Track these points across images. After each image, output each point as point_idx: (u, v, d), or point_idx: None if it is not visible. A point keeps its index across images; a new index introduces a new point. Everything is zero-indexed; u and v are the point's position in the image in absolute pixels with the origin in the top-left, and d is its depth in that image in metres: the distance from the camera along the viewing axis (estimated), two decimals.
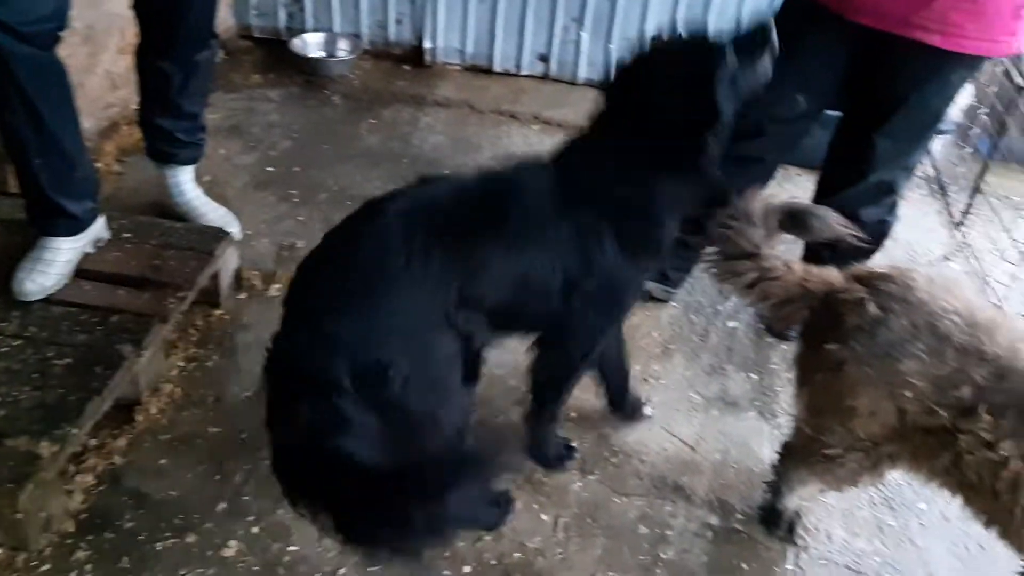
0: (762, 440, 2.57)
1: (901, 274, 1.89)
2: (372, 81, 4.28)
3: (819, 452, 2.00)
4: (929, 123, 2.52)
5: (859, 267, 2.03)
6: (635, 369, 2.71)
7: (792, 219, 2.06)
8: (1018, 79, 3.28)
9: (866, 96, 2.49)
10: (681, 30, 2.02)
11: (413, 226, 1.76)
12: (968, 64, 2.32)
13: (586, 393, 2.57)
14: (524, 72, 4.37)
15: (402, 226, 1.76)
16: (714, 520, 2.34)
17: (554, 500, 2.34)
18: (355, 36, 4.35)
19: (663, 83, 1.89)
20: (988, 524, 1.83)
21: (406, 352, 1.72)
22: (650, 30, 4.12)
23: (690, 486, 2.41)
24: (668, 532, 2.28)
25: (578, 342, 2.13)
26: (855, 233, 2.06)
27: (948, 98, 2.44)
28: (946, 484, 1.85)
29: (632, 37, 4.09)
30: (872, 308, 1.83)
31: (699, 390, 2.73)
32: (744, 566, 2.24)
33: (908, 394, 1.76)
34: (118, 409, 2.35)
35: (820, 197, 2.74)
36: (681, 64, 1.90)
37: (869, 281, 1.91)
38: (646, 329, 2.95)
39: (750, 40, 1.92)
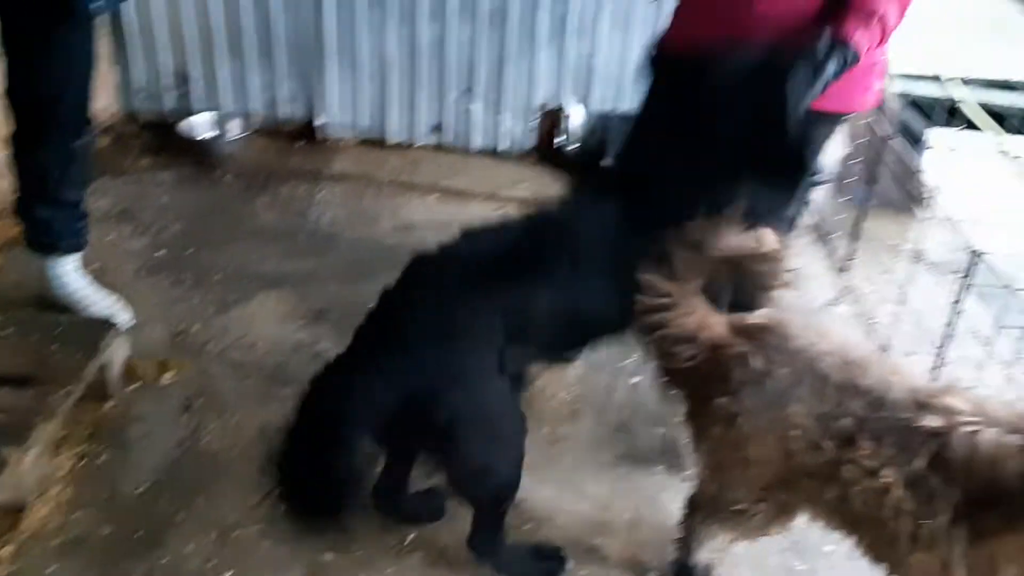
0: (672, 494, 2.57)
1: (778, 324, 1.96)
2: (265, 159, 4.26)
3: (725, 506, 2.03)
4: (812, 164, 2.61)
5: (739, 319, 2.06)
6: (543, 431, 2.71)
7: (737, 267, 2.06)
8: (882, 131, 3.48)
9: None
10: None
11: (466, 272, 2.00)
12: (830, 120, 2.44)
13: None
14: (419, 143, 4.42)
15: (456, 273, 2.01)
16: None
17: (470, 571, 2.30)
18: (245, 115, 4.33)
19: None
20: (877, 559, 1.87)
21: (460, 392, 1.90)
22: (539, 98, 4.26)
23: (604, 547, 2.40)
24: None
25: None
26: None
27: (816, 152, 2.55)
28: (837, 521, 1.90)
29: (522, 106, 4.26)
30: (757, 362, 1.89)
31: (607, 448, 2.75)
32: None
33: (795, 434, 1.82)
34: (3, 515, 2.22)
35: None
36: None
37: (750, 334, 1.96)
38: (552, 391, 2.95)
39: None
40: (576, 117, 4.22)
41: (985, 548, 1.64)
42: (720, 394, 1.92)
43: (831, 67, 2.12)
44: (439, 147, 4.43)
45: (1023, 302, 2.57)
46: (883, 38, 2.21)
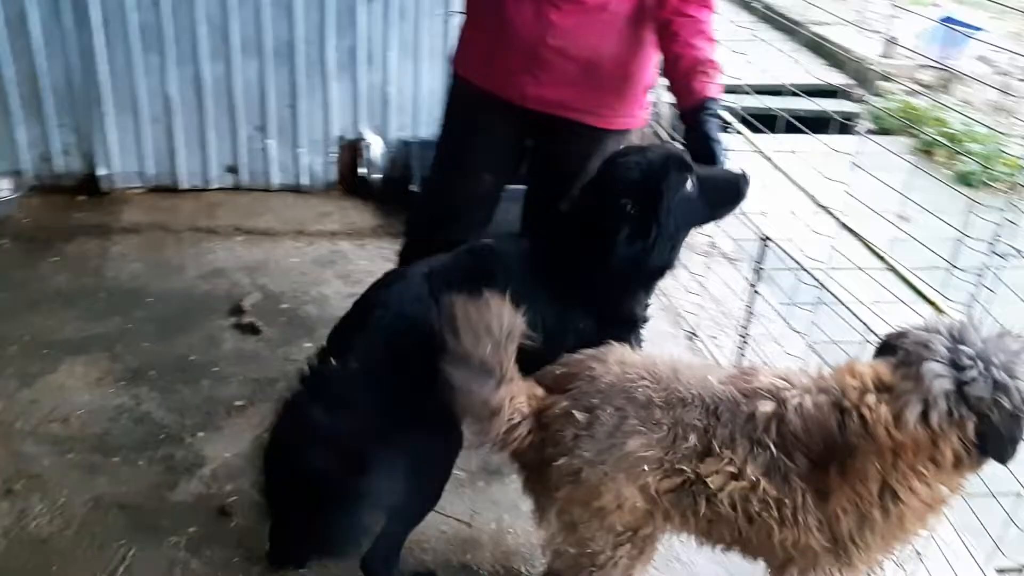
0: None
1: (580, 368, 1.95)
2: (45, 217, 3.95)
3: (588, 565, 2.00)
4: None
5: (545, 376, 2.01)
6: None
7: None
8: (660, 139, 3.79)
9: (543, 171, 2.71)
10: None
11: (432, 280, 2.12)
12: (618, 136, 2.60)
13: None
14: (214, 186, 4.26)
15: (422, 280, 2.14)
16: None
17: None
18: (16, 173, 3.99)
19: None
20: (752, 554, 1.97)
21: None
22: (335, 132, 4.24)
23: (475, 561, 2.44)
24: None
25: None
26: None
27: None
28: (708, 529, 1.92)
29: (319, 139, 4.22)
30: (579, 414, 1.86)
31: (462, 466, 2.77)
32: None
33: (645, 468, 1.83)
34: None
35: None
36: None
37: (561, 387, 1.94)
38: None
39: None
40: (376, 147, 4.24)
41: (829, 505, 1.78)
42: (558, 456, 1.88)
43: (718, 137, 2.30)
44: (236, 188, 4.30)
45: (809, 280, 2.86)
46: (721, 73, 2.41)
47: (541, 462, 1.93)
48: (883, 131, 5.66)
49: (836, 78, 6.84)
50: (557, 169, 2.64)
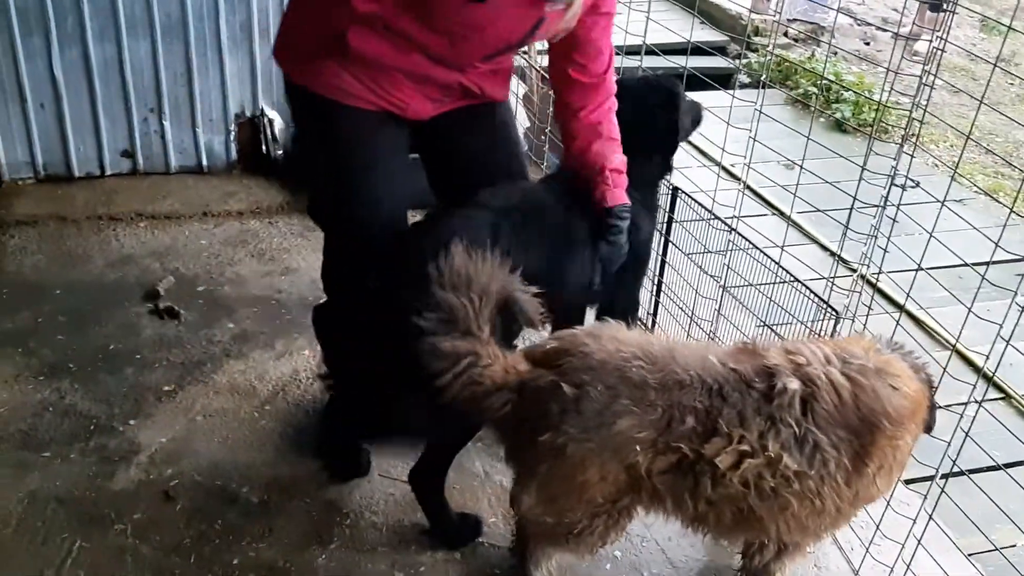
0: (471, 455, 2.74)
1: (572, 344, 1.94)
2: None
3: (564, 533, 2.03)
4: (515, 151, 2.67)
5: (535, 350, 2.02)
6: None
7: (504, 303, 1.97)
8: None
9: (449, 165, 2.56)
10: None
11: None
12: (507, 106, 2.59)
13: (296, 468, 2.57)
14: (110, 172, 4.11)
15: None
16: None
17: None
18: None
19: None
20: (745, 533, 2.05)
21: None
22: (234, 109, 4.16)
23: (425, 520, 2.50)
24: (422, 568, 2.37)
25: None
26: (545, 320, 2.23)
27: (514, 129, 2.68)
28: (704, 512, 1.92)
29: (217, 118, 4.13)
30: (567, 388, 1.86)
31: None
32: (497, 571, 2.40)
33: (636, 448, 1.84)
34: None
35: None
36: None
37: (550, 362, 1.94)
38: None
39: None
40: (277, 123, 4.18)
41: (867, 470, 1.88)
42: (543, 430, 1.87)
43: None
44: (134, 173, 4.16)
45: (721, 228, 3.03)
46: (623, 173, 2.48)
47: (523, 435, 1.94)
48: (761, 85, 5.96)
49: (712, 36, 7.09)
50: (466, 155, 2.53)
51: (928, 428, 2.03)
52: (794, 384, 1.84)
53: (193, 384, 2.97)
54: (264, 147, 4.21)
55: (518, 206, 2.32)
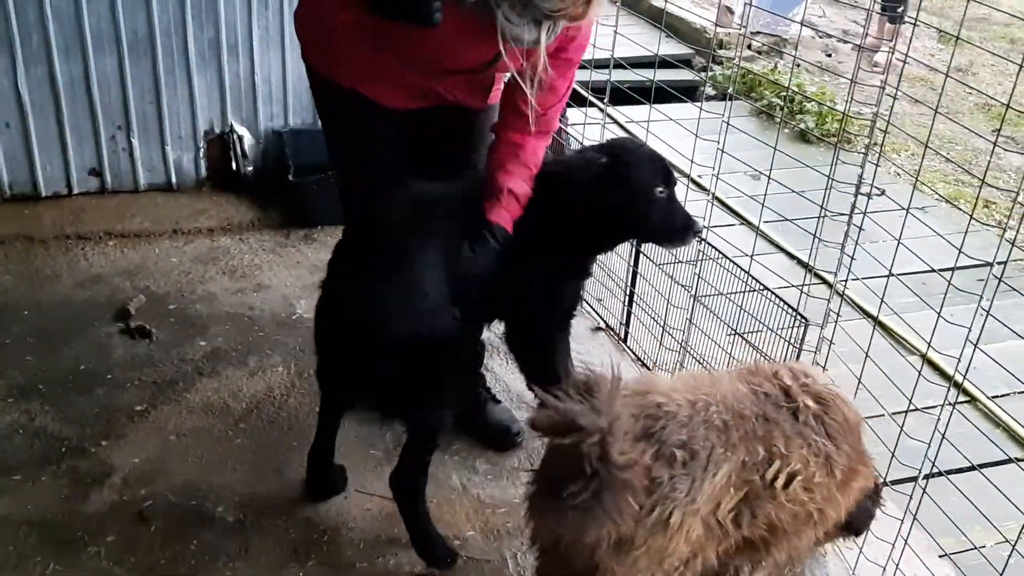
0: (448, 468, 2.75)
1: (649, 404, 1.82)
2: None
3: None
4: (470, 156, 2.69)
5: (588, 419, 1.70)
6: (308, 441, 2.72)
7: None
8: None
9: (435, 161, 2.61)
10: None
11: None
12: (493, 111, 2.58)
13: (272, 486, 2.56)
14: (78, 191, 4.08)
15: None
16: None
17: None
18: None
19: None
20: (764, 553, 2.03)
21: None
22: (203, 126, 4.14)
23: (402, 534, 2.49)
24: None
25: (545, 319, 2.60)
26: None
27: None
28: (742, 539, 1.92)
29: (186, 135, 4.12)
30: (680, 454, 1.77)
31: (376, 444, 2.84)
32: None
33: (731, 492, 1.82)
34: None
35: None
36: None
37: (637, 426, 1.78)
38: (296, 394, 2.99)
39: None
40: (247, 139, 4.17)
41: (851, 486, 1.99)
42: (650, 508, 1.74)
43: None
44: (102, 192, 4.12)
45: None
46: (521, 206, 2.41)
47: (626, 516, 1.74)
48: (727, 97, 6.05)
49: (678, 49, 7.18)
50: (450, 153, 2.63)
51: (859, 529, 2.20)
52: (811, 403, 1.93)
53: (166, 403, 2.95)
54: (234, 164, 4.19)
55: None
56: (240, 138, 4.16)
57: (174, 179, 4.20)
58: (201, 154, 4.20)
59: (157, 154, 4.13)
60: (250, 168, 4.20)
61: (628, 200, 2.36)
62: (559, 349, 2.64)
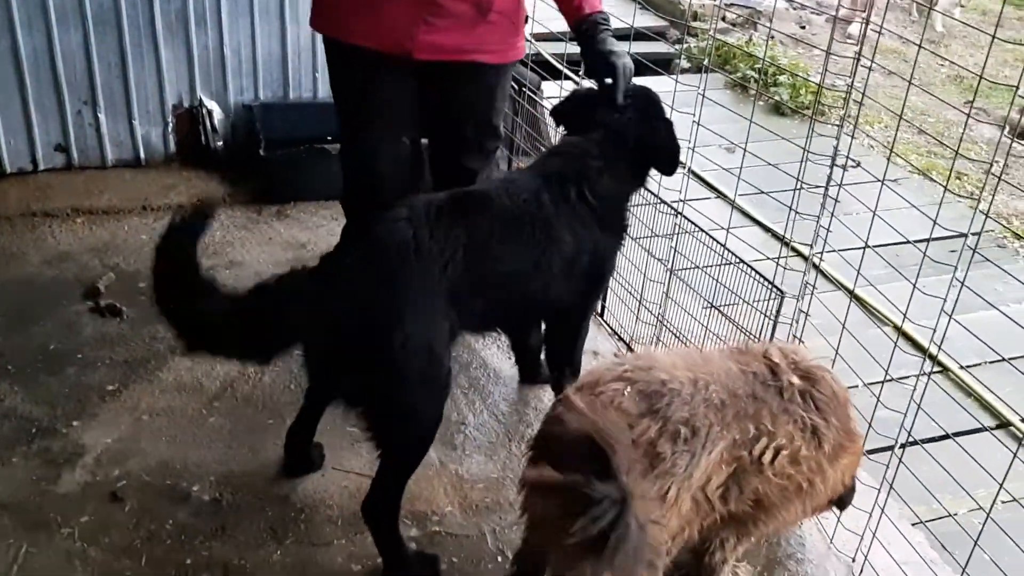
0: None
1: (652, 381, 1.85)
2: None
3: None
4: (499, 122, 2.85)
5: (611, 385, 1.85)
6: (287, 423, 2.70)
7: None
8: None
9: (447, 117, 2.74)
10: None
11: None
12: (509, 68, 2.74)
13: (248, 465, 2.54)
14: (44, 167, 3.99)
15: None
16: (414, 531, 2.47)
17: None
18: None
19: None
20: (751, 525, 2.06)
21: (402, 333, 2.06)
22: (171, 100, 4.07)
23: None
24: (379, 560, 2.35)
25: (581, 313, 2.66)
26: None
27: (505, 98, 2.86)
28: (728, 513, 1.94)
29: (154, 109, 4.04)
30: (684, 430, 1.79)
31: (354, 422, 2.81)
32: (455, 559, 2.41)
33: (723, 468, 1.84)
34: None
35: None
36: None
37: (640, 410, 1.81)
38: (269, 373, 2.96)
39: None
40: (216, 113, 4.10)
41: (840, 460, 2.00)
42: (649, 484, 1.74)
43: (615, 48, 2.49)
44: (68, 168, 4.04)
45: (667, 212, 3.06)
46: None
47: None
48: (702, 69, 6.03)
49: (653, 21, 7.14)
50: (461, 112, 2.72)
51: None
52: (797, 380, 1.95)
53: (138, 382, 2.91)
54: (204, 138, 4.13)
55: (447, 204, 2.25)
56: (209, 112, 4.08)
57: (142, 154, 4.13)
58: (170, 129, 4.12)
59: (125, 129, 4.05)
60: (220, 143, 4.14)
61: (660, 130, 2.52)
62: (585, 328, 2.74)
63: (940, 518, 2.34)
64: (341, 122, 2.78)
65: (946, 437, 2.22)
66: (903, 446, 2.21)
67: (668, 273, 2.98)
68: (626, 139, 2.47)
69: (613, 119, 2.47)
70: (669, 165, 2.57)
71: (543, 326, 2.85)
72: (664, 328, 3.07)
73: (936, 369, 3.53)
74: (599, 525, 1.51)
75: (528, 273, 2.32)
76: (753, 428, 1.88)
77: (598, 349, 3.22)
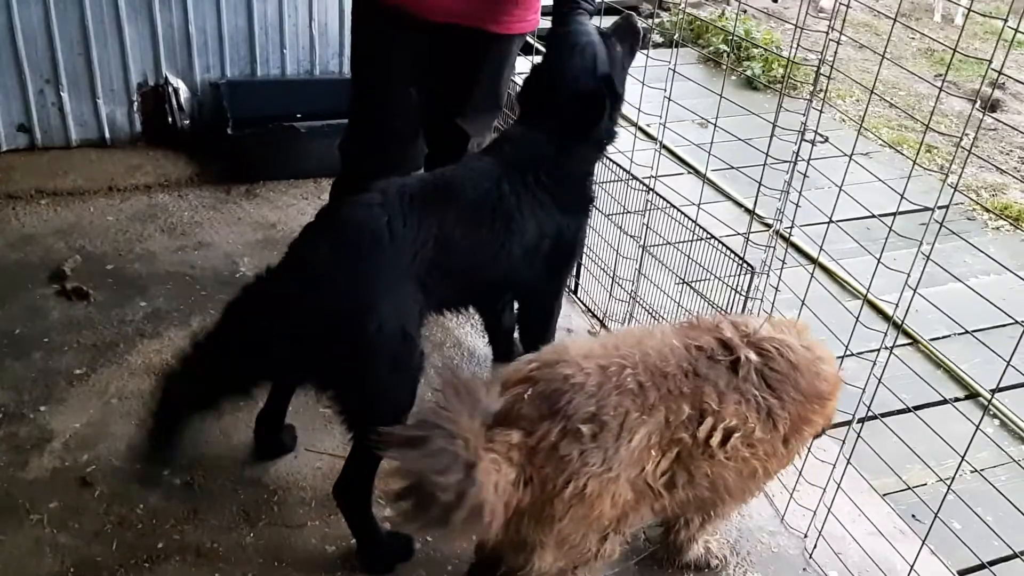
0: None
1: (555, 380, 1.78)
2: None
3: (573, 566, 1.91)
4: (500, 92, 2.86)
5: (510, 413, 1.78)
6: (259, 405, 2.68)
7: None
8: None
9: (445, 79, 2.77)
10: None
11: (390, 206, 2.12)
12: (517, 40, 2.75)
13: (219, 448, 2.52)
14: (6, 148, 3.92)
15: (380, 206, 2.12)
16: (388, 511, 2.45)
17: (233, 561, 2.28)
18: None
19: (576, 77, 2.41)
20: (710, 504, 2.03)
21: (373, 316, 2.05)
22: (136, 78, 3.99)
23: None
24: (352, 542, 2.35)
25: (551, 293, 2.66)
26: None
27: (511, 70, 2.88)
28: (683, 497, 1.91)
29: (119, 88, 3.96)
30: (585, 428, 1.73)
31: (326, 403, 2.80)
32: (428, 539, 2.40)
33: (652, 454, 1.78)
34: None
35: None
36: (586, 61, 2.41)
37: (541, 412, 1.75)
38: None
39: (625, 32, 2.51)
40: (182, 91, 4.03)
41: (810, 429, 1.98)
42: (563, 485, 1.72)
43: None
44: (32, 148, 3.97)
45: (639, 188, 3.05)
46: None
47: (537, 501, 1.75)
48: (673, 44, 6.01)
49: None
50: (464, 76, 2.74)
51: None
52: (753, 355, 1.88)
53: (106, 366, 2.88)
54: (170, 117, 4.06)
55: (419, 191, 2.22)
56: (175, 90, 4.02)
57: (107, 134, 4.06)
58: (135, 108, 4.06)
59: (88, 108, 3.98)
60: (187, 122, 4.08)
61: (614, 76, 2.46)
62: (558, 306, 2.76)
63: (902, 490, 2.37)
64: (354, 68, 2.87)
65: (907, 411, 2.24)
66: (861, 421, 2.22)
67: (640, 250, 2.98)
68: (568, 113, 2.42)
69: (556, 102, 2.43)
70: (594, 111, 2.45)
71: (515, 305, 2.84)
72: (637, 304, 3.07)
73: (906, 342, 3.58)
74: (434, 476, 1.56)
75: (495, 259, 2.32)
76: (689, 408, 1.81)
77: (571, 326, 3.22)
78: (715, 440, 1.82)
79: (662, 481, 1.84)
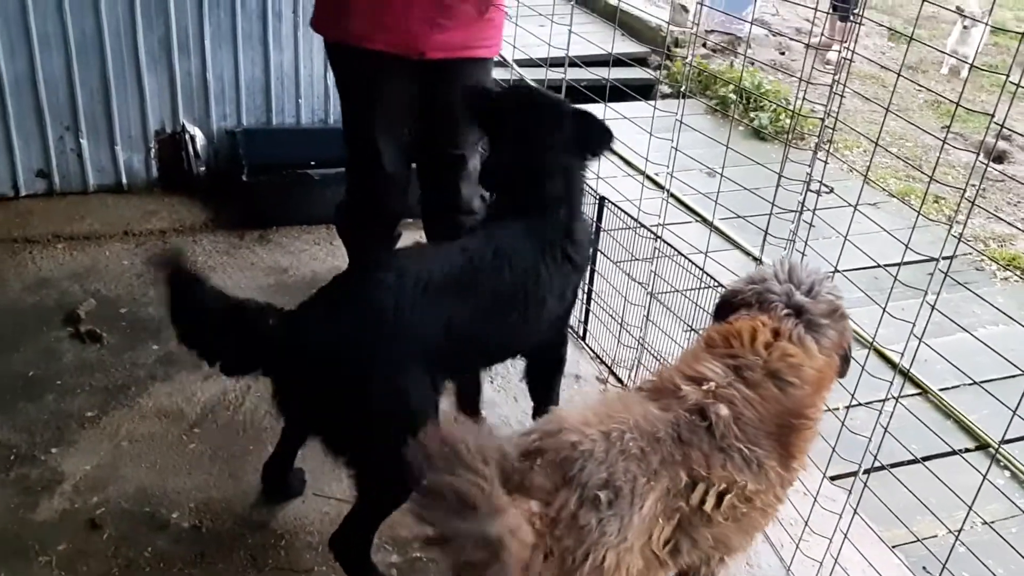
0: None
1: (562, 449, 1.70)
2: None
3: None
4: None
5: (520, 484, 1.67)
6: (268, 450, 2.69)
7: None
8: None
9: (439, 114, 2.87)
10: None
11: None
12: (491, 60, 2.91)
13: (228, 492, 2.52)
14: (24, 193, 3.99)
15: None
16: (395, 558, 2.46)
17: None
18: None
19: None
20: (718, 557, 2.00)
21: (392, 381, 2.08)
22: (154, 126, 4.08)
23: None
24: None
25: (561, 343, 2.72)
26: None
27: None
28: (688, 560, 1.87)
29: (137, 135, 4.04)
30: (603, 495, 1.66)
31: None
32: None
33: (659, 522, 1.74)
34: None
35: (430, 220, 3.11)
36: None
37: (554, 481, 1.67)
38: (253, 401, 2.95)
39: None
40: (199, 139, 4.11)
41: (794, 467, 1.92)
42: (583, 555, 1.64)
43: None
44: (50, 193, 4.04)
45: (647, 236, 3.09)
46: None
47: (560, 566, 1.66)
48: (681, 95, 6.09)
49: (633, 47, 7.22)
50: (453, 110, 2.80)
51: (841, 373, 2.04)
52: (724, 410, 1.80)
53: (118, 409, 2.90)
54: (186, 164, 4.13)
55: (440, 279, 2.19)
56: (192, 138, 4.09)
57: (124, 180, 4.13)
58: (152, 154, 4.13)
59: (107, 154, 4.06)
60: (202, 168, 4.15)
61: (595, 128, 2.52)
62: (564, 356, 2.80)
63: (912, 542, 2.35)
64: (346, 115, 2.93)
65: (915, 461, 2.23)
66: (867, 471, 2.22)
67: (648, 296, 3.00)
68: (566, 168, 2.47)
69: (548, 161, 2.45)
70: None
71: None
72: (645, 352, 3.09)
73: (915, 392, 3.57)
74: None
75: (520, 335, 2.42)
76: (685, 475, 1.75)
77: (580, 372, 3.23)
78: (708, 505, 1.77)
79: (667, 550, 1.79)
